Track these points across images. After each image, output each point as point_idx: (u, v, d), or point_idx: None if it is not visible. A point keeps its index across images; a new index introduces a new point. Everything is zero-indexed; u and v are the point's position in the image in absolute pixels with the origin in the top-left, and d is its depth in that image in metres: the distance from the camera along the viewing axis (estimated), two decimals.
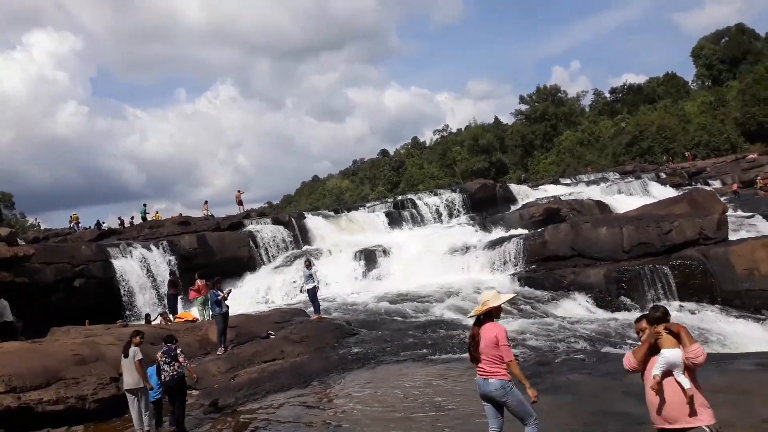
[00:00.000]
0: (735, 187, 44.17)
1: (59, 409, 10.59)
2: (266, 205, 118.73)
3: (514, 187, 45.81)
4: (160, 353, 9.86)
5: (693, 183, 46.98)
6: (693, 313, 17.42)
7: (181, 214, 33.21)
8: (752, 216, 28.49)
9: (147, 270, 24.04)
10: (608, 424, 7.46)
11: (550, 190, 44.83)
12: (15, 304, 17.54)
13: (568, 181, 51.25)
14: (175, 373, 9.64)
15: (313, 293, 17.30)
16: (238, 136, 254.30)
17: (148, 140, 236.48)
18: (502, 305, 5.73)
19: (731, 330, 15.84)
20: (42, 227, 58.77)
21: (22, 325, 17.84)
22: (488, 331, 5.51)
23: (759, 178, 45.93)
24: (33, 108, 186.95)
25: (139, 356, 9.65)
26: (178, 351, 9.84)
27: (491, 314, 5.62)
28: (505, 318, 15.79)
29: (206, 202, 38.38)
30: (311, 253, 28.87)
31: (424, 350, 13.35)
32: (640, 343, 4.52)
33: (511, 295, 6.29)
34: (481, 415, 5.81)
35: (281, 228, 31.75)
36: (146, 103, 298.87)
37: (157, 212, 34.16)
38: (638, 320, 4.72)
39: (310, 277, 17.34)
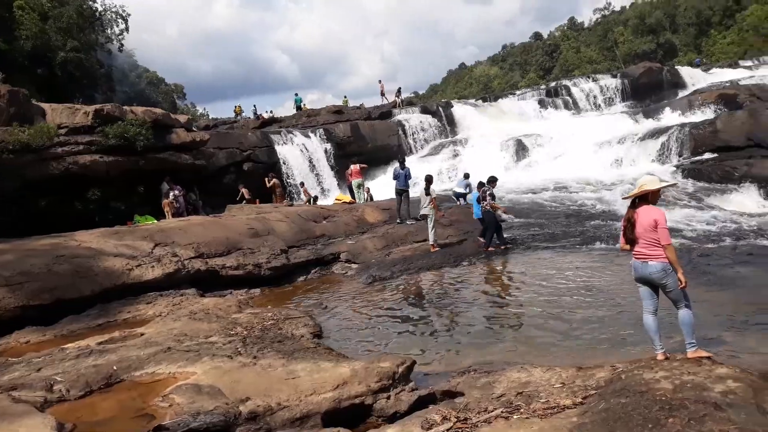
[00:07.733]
0: None
1: (239, 274, 12.14)
2: (413, 95, 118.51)
3: (683, 71, 41.53)
4: (480, 191, 13.37)
5: None
6: None
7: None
8: None
9: (306, 155, 25.72)
10: (759, 317, 7.10)
11: (726, 75, 39.96)
12: (189, 184, 19.81)
13: (749, 63, 45.14)
14: (483, 210, 13.09)
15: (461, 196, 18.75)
16: (384, 24, 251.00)
17: (297, 30, 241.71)
18: (663, 193, 5.52)
19: None
20: (210, 116, 64.16)
21: (201, 202, 20.20)
22: (645, 214, 5.38)
23: None
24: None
25: (434, 194, 13.37)
26: (487, 194, 13.04)
27: (647, 198, 5.45)
28: (667, 208, 14.98)
29: (381, 81, 38.99)
30: (459, 141, 28.88)
31: (575, 239, 13.22)
32: None
33: (672, 182, 6.04)
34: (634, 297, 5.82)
35: (429, 117, 31.95)
36: None
37: (304, 104, 35.96)
38: None
39: (467, 185, 18.58)
